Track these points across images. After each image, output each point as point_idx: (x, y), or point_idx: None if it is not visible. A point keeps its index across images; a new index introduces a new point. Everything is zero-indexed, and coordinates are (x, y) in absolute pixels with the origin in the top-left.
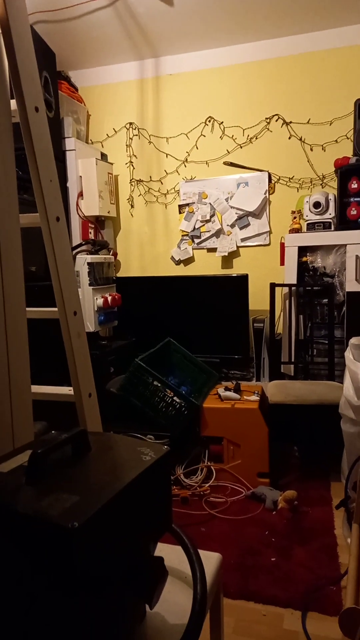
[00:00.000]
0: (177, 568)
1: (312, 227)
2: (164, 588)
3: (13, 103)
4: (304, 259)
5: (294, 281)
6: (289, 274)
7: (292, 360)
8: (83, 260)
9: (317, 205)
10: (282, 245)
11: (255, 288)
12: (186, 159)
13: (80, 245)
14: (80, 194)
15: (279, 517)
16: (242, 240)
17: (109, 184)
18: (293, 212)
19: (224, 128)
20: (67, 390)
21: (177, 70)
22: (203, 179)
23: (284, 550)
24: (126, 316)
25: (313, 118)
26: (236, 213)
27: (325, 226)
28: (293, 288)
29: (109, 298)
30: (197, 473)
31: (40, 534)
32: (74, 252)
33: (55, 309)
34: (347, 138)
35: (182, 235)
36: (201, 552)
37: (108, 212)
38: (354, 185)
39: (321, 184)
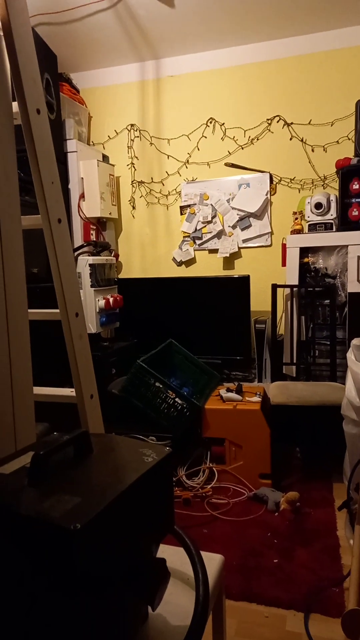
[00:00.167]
0: (179, 569)
1: (313, 228)
2: (166, 590)
3: (15, 105)
4: (306, 259)
5: (296, 282)
6: (291, 275)
7: (294, 361)
8: (85, 262)
9: (318, 206)
10: (284, 246)
11: (256, 289)
12: (187, 161)
13: (82, 246)
14: (82, 196)
15: (281, 518)
16: (244, 241)
17: (111, 186)
18: (294, 213)
19: (225, 129)
20: (69, 391)
21: (178, 72)
22: (204, 180)
23: (286, 551)
24: (128, 317)
25: (314, 119)
26: (237, 214)
27: (327, 227)
28: (295, 289)
29: (111, 299)
30: (199, 474)
31: (42, 535)
32: (76, 253)
33: (57, 311)
34: (349, 139)
35: (184, 237)
36: (203, 554)
37: (109, 214)
38: (356, 186)
39: (322, 185)
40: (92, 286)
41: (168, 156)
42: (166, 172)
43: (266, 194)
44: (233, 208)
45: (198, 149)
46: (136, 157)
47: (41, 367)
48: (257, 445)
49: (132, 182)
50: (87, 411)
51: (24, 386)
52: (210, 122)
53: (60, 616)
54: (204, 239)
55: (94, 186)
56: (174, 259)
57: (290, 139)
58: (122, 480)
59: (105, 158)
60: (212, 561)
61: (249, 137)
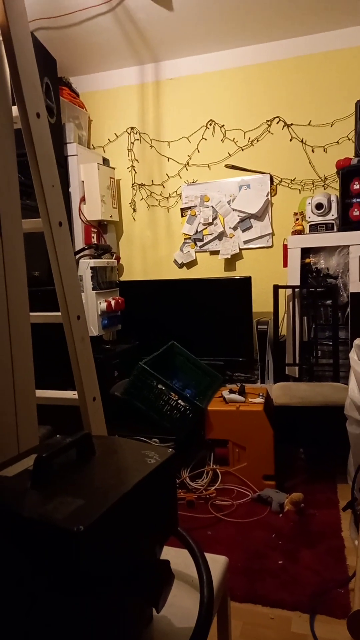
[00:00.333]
0: (183, 571)
1: (314, 228)
2: (171, 592)
3: (15, 109)
4: (307, 260)
5: (297, 283)
6: (292, 276)
7: (297, 362)
8: (86, 265)
9: (319, 206)
10: (285, 247)
11: (258, 290)
12: (188, 163)
13: (83, 249)
14: (83, 199)
15: (286, 519)
16: (245, 242)
17: (111, 189)
18: (295, 214)
19: (225, 131)
20: (71, 394)
21: (177, 75)
22: (205, 182)
23: (290, 553)
24: (129, 320)
25: (314, 120)
26: (238, 215)
27: (328, 227)
28: (296, 290)
29: (112, 302)
30: (203, 476)
31: (45, 537)
32: (77, 256)
33: (59, 314)
34: (349, 139)
35: (185, 239)
36: (207, 556)
37: (110, 217)
38: (356, 186)
39: (323, 186)
40: (93, 289)
41: (168, 158)
42: (166, 174)
43: (267, 195)
44: (234, 209)
45: (198, 151)
46: (136, 160)
47: (43, 370)
48: (260, 446)
49: (132, 184)
50: (89, 414)
51: (26, 389)
52: (210, 124)
53: (63, 618)
54: (205, 241)
55: (95, 189)
56: (175, 261)
57: (290, 140)
58: (125, 482)
59: (105, 161)
60: (217, 563)
61: (249, 138)
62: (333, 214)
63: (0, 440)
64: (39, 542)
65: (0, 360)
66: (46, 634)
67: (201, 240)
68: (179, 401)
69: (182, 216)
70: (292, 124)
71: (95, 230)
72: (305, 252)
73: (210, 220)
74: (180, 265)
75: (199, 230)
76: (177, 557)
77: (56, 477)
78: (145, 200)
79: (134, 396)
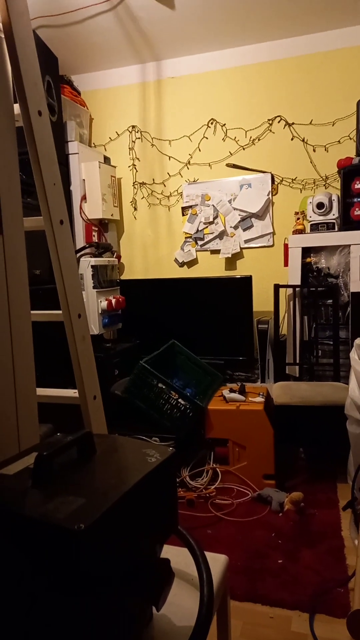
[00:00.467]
0: (183, 570)
1: (315, 228)
2: (171, 590)
3: (16, 107)
4: (308, 259)
5: (298, 282)
6: (293, 275)
7: (297, 361)
8: (87, 263)
9: (320, 206)
10: (286, 247)
11: (259, 289)
12: (189, 161)
13: (84, 248)
14: (84, 197)
15: (286, 519)
16: (246, 241)
17: (112, 187)
18: (296, 213)
19: (227, 130)
20: (72, 392)
21: (178, 73)
22: (206, 181)
23: (290, 552)
24: (130, 319)
25: (315, 119)
26: (239, 215)
27: (329, 227)
28: (297, 289)
29: (113, 301)
30: (203, 475)
31: (46, 536)
32: (78, 255)
33: (60, 312)
34: (350, 138)
35: (186, 238)
36: (208, 554)
37: (111, 215)
38: (358, 186)
39: (324, 185)
40: (94, 287)
41: (169, 157)
42: (167, 173)
43: (268, 195)
44: (235, 209)
45: (199, 150)
46: (137, 159)
47: (44, 368)
48: (260, 445)
49: (133, 183)
50: (90, 412)
51: (27, 387)
52: (212, 123)
53: (63, 617)
54: (205, 240)
55: (96, 188)
56: (176, 260)
57: (292, 139)
58: (125, 481)
59: (106, 160)
60: (217, 562)
61: (250, 137)
62: (334, 214)
63: (1, 438)
64: (39, 541)
65: (1, 359)
66: (46, 634)
67: (202, 239)
68: (179, 400)
69: (183, 215)
70: (293, 123)
71: (96, 229)
72: (306, 251)
73: (211, 219)
74: (181, 264)
75: (199, 229)
76: (177, 556)
77: (57, 476)
78: (146, 199)
79: (134, 395)
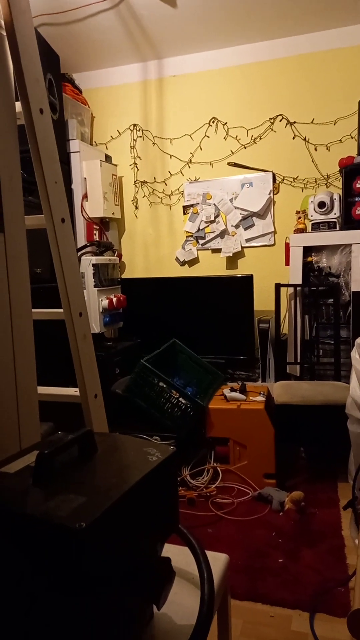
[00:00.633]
0: (184, 569)
1: (317, 227)
2: (171, 589)
3: (18, 105)
4: (309, 259)
5: (299, 281)
6: (294, 274)
7: (298, 360)
8: (88, 262)
9: (321, 205)
10: (287, 246)
11: (260, 288)
12: (190, 160)
13: (85, 246)
14: (85, 196)
15: (286, 518)
16: (247, 240)
17: (114, 186)
18: (298, 212)
19: (228, 129)
20: (73, 391)
21: (180, 72)
22: (207, 179)
23: (291, 551)
24: (131, 317)
25: (317, 118)
26: (240, 213)
27: (330, 226)
28: (298, 288)
29: (114, 299)
30: (204, 474)
31: (47, 535)
32: (79, 253)
33: (61, 310)
34: (352, 137)
35: (187, 236)
36: (208, 553)
37: (112, 214)
38: (359, 185)
39: (326, 184)
40: (95, 286)
41: (171, 156)
42: (169, 171)
43: (269, 193)
44: (236, 207)
45: (201, 149)
46: (139, 157)
47: (45, 367)
48: (261, 444)
49: (134, 182)
50: (91, 411)
51: (28, 386)
52: (213, 122)
53: (63, 616)
54: (207, 239)
55: (97, 186)
56: (177, 259)
57: (293, 138)
58: (126, 480)
59: (108, 158)
60: (217, 561)
61: (252, 136)
62: (335, 213)
63: (2, 436)
64: (40, 539)
65: (2, 357)
66: (46, 634)
67: (203, 238)
68: (180, 399)
69: (184, 214)
70: (295, 122)
71: (98, 228)
72: (308, 250)
73: (213, 218)
74: (182, 263)
75: (201, 228)
76: (178, 555)
77: (58, 474)
78: (147, 198)
79: (135, 394)
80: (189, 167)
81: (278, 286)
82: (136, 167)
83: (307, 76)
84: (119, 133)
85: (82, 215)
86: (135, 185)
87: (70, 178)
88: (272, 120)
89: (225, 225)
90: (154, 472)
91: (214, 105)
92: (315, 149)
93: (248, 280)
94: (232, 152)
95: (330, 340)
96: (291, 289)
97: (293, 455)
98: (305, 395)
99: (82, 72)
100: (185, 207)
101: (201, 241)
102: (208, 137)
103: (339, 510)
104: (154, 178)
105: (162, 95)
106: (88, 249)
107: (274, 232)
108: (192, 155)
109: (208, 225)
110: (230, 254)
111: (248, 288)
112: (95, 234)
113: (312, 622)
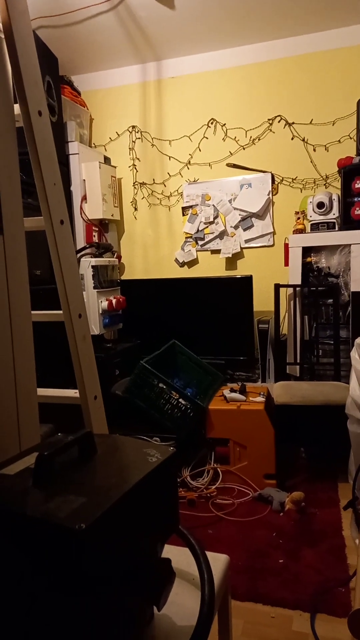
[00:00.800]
0: (184, 570)
1: (316, 227)
2: (172, 590)
3: (16, 107)
4: (308, 259)
5: (299, 282)
6: (294, 275)
7: (298, 361)
8: (87, 264)
9: (320, 205)
10: (286, 246)
11: (259, 289)
12: (189, 161)
13: (84, 248)
14: (84, 198)
15: (287, 518)
16: (246, 241)
17: (113, 187)
18: (297, 213)
19: (227, 130)
20: (72, 392)
21: (179, 73)
22: (206, 181)
23: (292, 552)
24: (131, 319)
25: (316, 118)
26: (240, 214)
27: (329, 226)
28: (298, 289)
29: (114, 301)
30: (204, 475)
31: (47, 536)
32: (78, 255)
33: (60, 312)
34: (350, 138)
35: (186, 238)
36: (209, 554)
37: (112, 215)
38: (358, 185)
39: (324, 184)
40: (94, 288)
41: (169, 157)
42: (168, 173)
43: (268, 194)
44: (235, 208)
45: (199, 150)
46: (138, 159)
47: (45, 368)
48: (261, 445)
49: (134, 183)
50: (90, 412)
51: (28, 387)
52: (212, 123)
53: (63, 616)
54: (206, 240)
55: (96, 188)
56: (176, 260)
57: (292, 139)
58: (126, 480)
59: (107, 160)
60: (218, 561)
61: (251, 137)
62: (334, 213)
63: (2, 438)
64: (40, 540)
65: (2, 359)
66: (46, 634)
67: (202, 239)
68: (180, 400)
69: (184, 215)
70: (293, 123)
71: (97, 229)
72: (307, 251)
73: (212, 219)
74: (182, 264)
75: (200, 229)
76: (178, 556)
77: (58, 476)
78: (146, 199)
79: (135, 395)
80: (188, 168)
81: (277, 287)
82: (135, 168)
83: (305, 77)
84: (118, 135)
85: (81, 217)
86: (134, 187)
87: (69, 180)
88: (270, 121)
89: (225, 226)
90: (153, 473)
91: (212, 107)
92: (314, 150)
93: (247, 281)
94: (231, 153)
95: (330, 340)
96: (290, 290)
97: (293, 455)
98: (305, 396)
99: (80, 74)
100: (184, 208)
101: (200, 242)
102: (207, 138)
103: (339, 511)
104: (153, 179)
105: (160, 97)
106: (87, 250)
107: (273, 233)
108: (191, 157)
109: (207, 226)
110: (230, 255)
111: (247, 289)
112: (94, 236)
113: (313, 623)
